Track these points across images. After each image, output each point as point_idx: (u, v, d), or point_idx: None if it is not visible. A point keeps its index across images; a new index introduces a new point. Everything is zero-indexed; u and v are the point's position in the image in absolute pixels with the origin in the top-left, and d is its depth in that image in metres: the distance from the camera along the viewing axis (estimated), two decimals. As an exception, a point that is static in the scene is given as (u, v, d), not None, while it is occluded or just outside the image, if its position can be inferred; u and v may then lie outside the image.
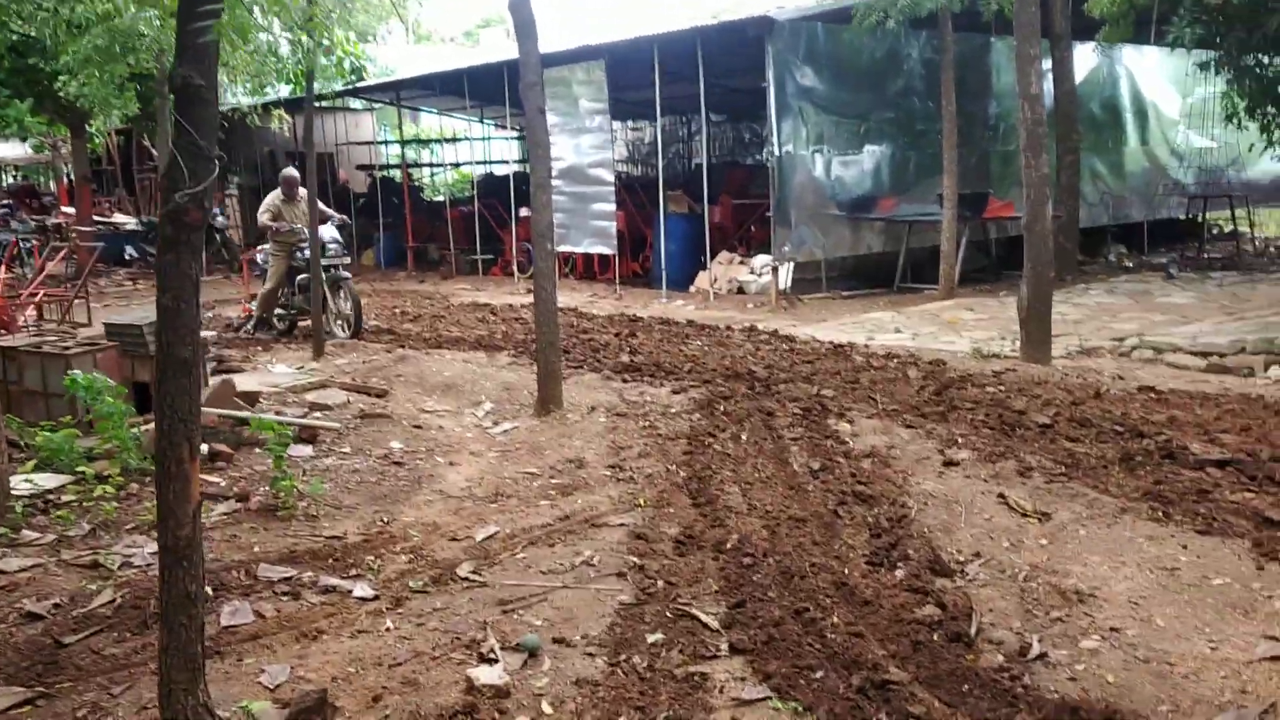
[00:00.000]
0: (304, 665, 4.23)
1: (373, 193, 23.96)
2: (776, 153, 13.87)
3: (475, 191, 22.75)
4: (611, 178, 15.83)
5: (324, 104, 27.25)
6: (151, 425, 7.18)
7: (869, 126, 14.97)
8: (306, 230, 11.58)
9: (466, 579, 5.00)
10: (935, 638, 4.15)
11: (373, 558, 5.40)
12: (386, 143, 28.89)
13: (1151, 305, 12.14)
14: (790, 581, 4.76)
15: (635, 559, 5.10)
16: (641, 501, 5.95)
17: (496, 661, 4.10)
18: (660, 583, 4.82)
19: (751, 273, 15.21)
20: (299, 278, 12.01)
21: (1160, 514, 5.28)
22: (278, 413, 8.10)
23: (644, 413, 7.87)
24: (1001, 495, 5.65)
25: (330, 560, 5.37)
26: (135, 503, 6.17)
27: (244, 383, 8.67)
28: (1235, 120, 16.12)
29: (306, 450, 7.26)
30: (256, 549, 5.50)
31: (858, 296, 14.53)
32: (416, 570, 5.18)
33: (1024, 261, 8.99)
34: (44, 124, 21.10)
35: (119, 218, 26.27)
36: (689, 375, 9.10)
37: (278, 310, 12.52)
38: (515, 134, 30.03)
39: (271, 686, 4.06)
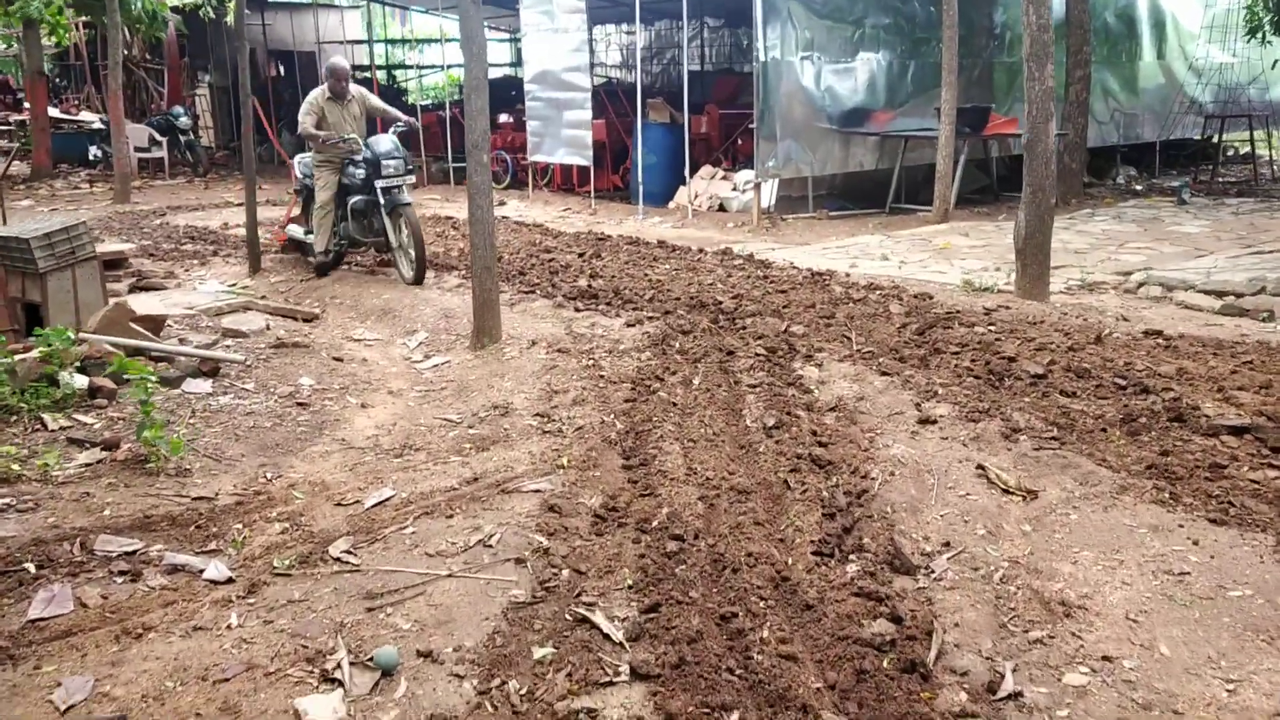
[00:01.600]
0: (114, 676, 3.44)
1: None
2: (762, 58, 12.79)
3: (457, 97, 21.60)
4: (588, 84, 14.75)
5: (303, -1, 25.98)
6: (31, 354, 6.36)
7: (864, 32, 13.85)
8: (359, 140, 9.63)
9: (339, 559, 4.20)
10: (885, 664, 3.35)
11: (241, 526, 4.61)
12: (366, 42, 27.54)
13: (1162, 234, 11.22)
14: (720, 575, 3.96)
15: (542, 538, 4.29)
16: (565, 461, 5.13)
17: (340, 684, 3.31)
18: (565, 572, 4.02)
19: (734, 189, 14.24)
20: (352, 200, 9.63)
21: (1167, 495, 4.46)
22: (182, 341, 7.27)
23: (590, 349, 7.03)
24: (981, 467, 4.82)
25: (191, 528, 4.58)
26: (-11, 448, 5.35)
27: (152, 305, 7.81)
28: (1259, 35, 15.04)
29: (204, 386, 6.44)
30: (107, 512, 4.69)
31: (846, 217, 13.58)
32: (286, 545, 4.39)
33: (1023, 185, 8.06)
34: (-2, 14, 19.86)
35: (85, 115, 25.14)
36: (649, 304, 8.23)
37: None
38: (506, 35, 28.72)
39: (63, 707, 3.28)
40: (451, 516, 4.57)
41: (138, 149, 20.31)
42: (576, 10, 14.52)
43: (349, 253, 10.40)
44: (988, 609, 3.72)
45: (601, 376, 6.42)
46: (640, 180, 14.25)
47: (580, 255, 10.64)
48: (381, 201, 9.35)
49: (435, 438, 5.68)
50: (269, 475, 5.19)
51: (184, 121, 20.90)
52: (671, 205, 14.63)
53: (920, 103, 14.27)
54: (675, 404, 5.92)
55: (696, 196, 14.37)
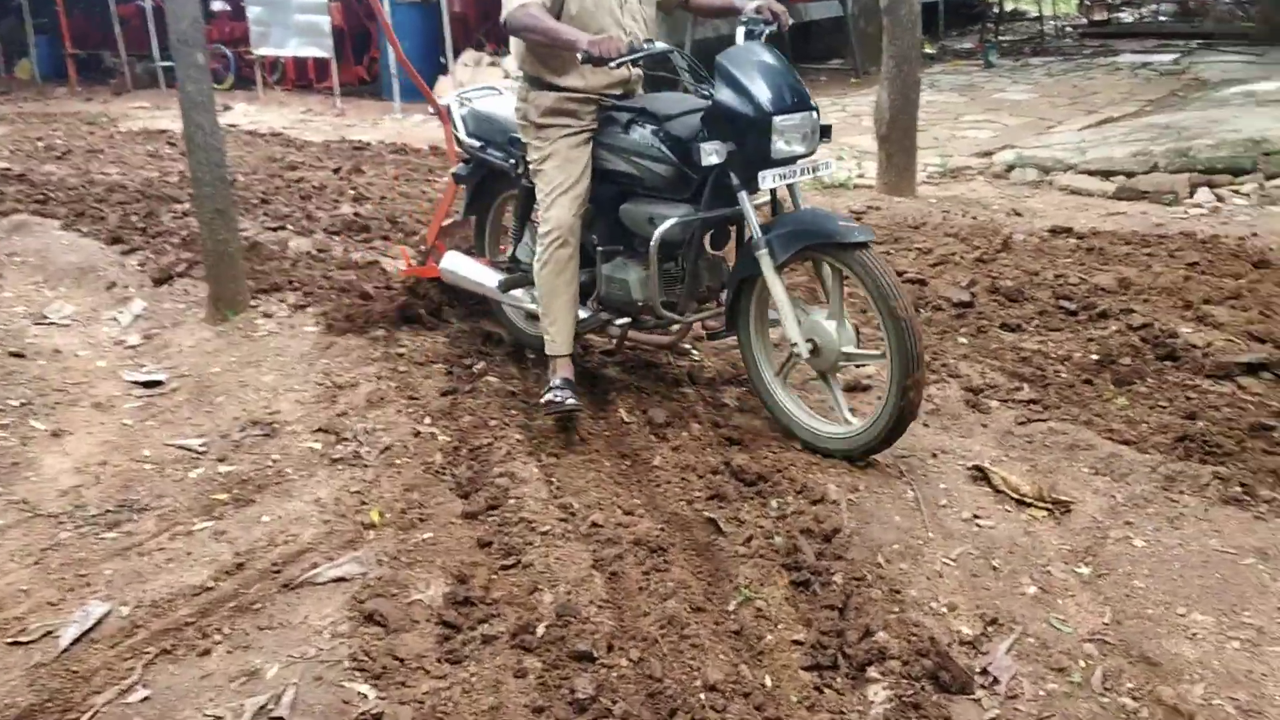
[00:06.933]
0: None
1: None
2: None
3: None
4: (320, -43, 12.42)
5: None
6: None
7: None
8: (681, 51, 3.85)
9: (12, 785, 2.43)
10: None
11: None
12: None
13: (990, 102, 10.20)
14: (674, 734, 2.44)
15: (366, 689, 2.63)
16: (376, 517, 3.43)
17: None
18: (417, 761, 2.40)
19: (506, 76, 12.35)
20: (664, 225, 3.63)
21: (1238, 488, 3.23)
22: None
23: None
24: (979, 469, 3.46)
25: None
26: None
27: None
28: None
29: None
30: None
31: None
32: (-80, 749, 2.56)
33: (884, 58, 6.69)
34: None
35: None
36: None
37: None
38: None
39: None
40: (207, 654, 2.82)
41: None
42: None
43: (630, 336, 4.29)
44: (1119, 758, 2.36)
45: (401, 355, 4.68)
46: (394, 72, 12.16)
47: (336, 172, 8.69)
48: (755, 234, 3.55)
49: (169, 484, 3.83)
50: (-104, 590, 3.26)
51: None
52: (433, 99, 12.61)
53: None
54: (513, 392, 4.29)
55: (462, 87, 12.40)
